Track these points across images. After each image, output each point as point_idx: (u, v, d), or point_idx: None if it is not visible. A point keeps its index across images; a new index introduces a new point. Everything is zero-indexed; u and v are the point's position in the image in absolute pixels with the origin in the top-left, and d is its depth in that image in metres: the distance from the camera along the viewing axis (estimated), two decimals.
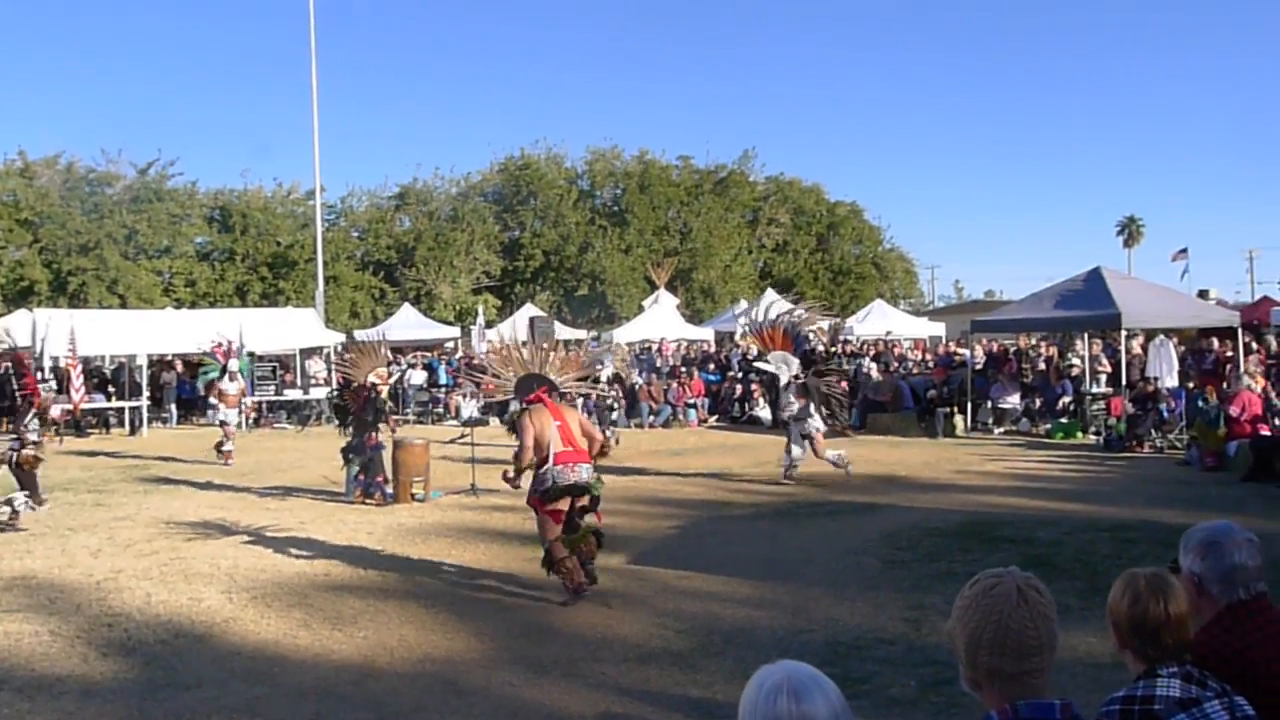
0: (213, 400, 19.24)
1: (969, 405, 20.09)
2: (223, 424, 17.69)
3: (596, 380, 17.56)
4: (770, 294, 33.05)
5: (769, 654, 6.35)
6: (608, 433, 17.60)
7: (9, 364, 12.13)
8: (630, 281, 40.16)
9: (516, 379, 9.01)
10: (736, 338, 29.17)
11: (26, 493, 11.48)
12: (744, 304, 34.22)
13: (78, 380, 21.76)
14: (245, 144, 78.74)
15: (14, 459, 11.50)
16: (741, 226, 43.59)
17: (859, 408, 21.26)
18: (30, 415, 11.86)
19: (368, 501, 12.64)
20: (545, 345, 9.66)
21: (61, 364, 21.80)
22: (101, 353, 25.97)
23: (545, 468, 8.03)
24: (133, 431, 23.54)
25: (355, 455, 12.90)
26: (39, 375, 19.36)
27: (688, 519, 11.36)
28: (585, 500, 8.18)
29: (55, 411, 21.71)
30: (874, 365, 22.20)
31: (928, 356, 24.90)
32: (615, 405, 20.11)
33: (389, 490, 12.76)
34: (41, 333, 22.22)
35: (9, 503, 11.34)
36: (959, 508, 11.53)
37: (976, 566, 8.49)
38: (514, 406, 9.67)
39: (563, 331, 30.51)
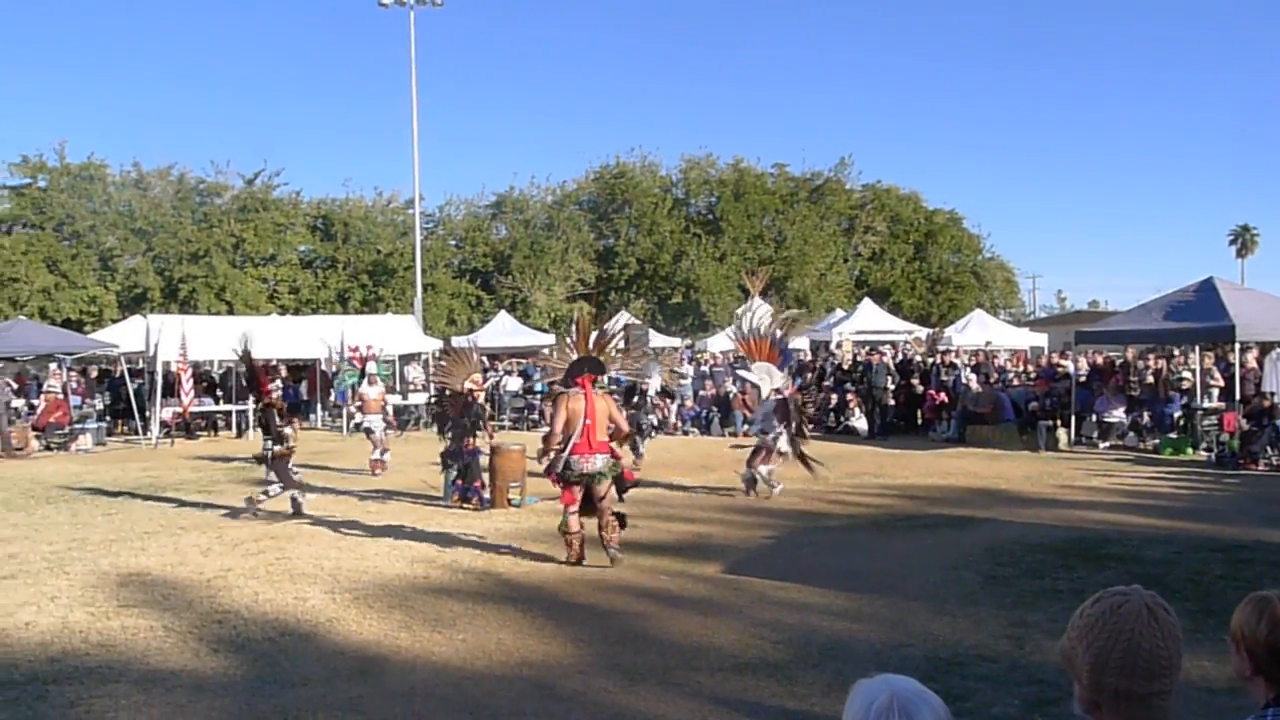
0: (353, 408, 19.10)
1: (1072, 419, 19.60)
2: (368, 432, 17.03)
3: (643, 393, 17.29)
4: (866, 302, 32.87)
5: (867, 668, 6.27)
6: (641, 448, 17.18)
7: (248, 367, 13.24)
8: (724, 290, 40.09)
9: (571, 361, 10.00)
10: (832, 346, 28.95)
11: (280, 484, 12.43)
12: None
13: (187, 384, 22.51)
14: (345, 153, 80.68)
15: (270, 454, 12.46)
16: (837, 234, 43.21)
17: (958, 419, 20.93)
18: (275, 415, 12.75)
19: (465, 506, 12.83)
20: (610, 338, 10.65)
21: (173, 368, 22.56)
22: (210, 357, 26.80)
23: (564, 454, 9.34)
24: (239, 434, 24.26)
25: (453, 460, 13.11)
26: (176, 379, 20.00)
27: (782, 529, 11.29)
28: (603, 488, 9.43)
29: (166, 414, 22.56)
30: (973, 376, 21.79)
31: (1029, 368, 24.35)
32: (656, 420, 19.47)
33: (486, 495, 12.94)
34: (154, 338, 23.03)
35: (266, 491, 12.45)
36: (1062, 524, 11.26)
37: (1082, 585, 8.36)
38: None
39: (656, 339, 30.60)
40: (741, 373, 15.31)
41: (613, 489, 9.65)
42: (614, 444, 9.68)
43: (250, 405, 24.46)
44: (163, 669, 6.57)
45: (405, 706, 5.84)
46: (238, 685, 6.26)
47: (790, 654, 6.76)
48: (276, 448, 12.51)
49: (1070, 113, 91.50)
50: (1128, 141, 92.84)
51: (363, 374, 17.69)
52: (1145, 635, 1.94)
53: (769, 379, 13.72)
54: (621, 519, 9.62)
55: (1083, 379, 20.55)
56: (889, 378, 22.82)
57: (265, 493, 12.46)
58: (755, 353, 13.94)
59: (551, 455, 9.51)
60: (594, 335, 10.28)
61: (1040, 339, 32.31)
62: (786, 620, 7.56)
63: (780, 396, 13.51)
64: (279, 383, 26.58)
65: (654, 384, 18.99)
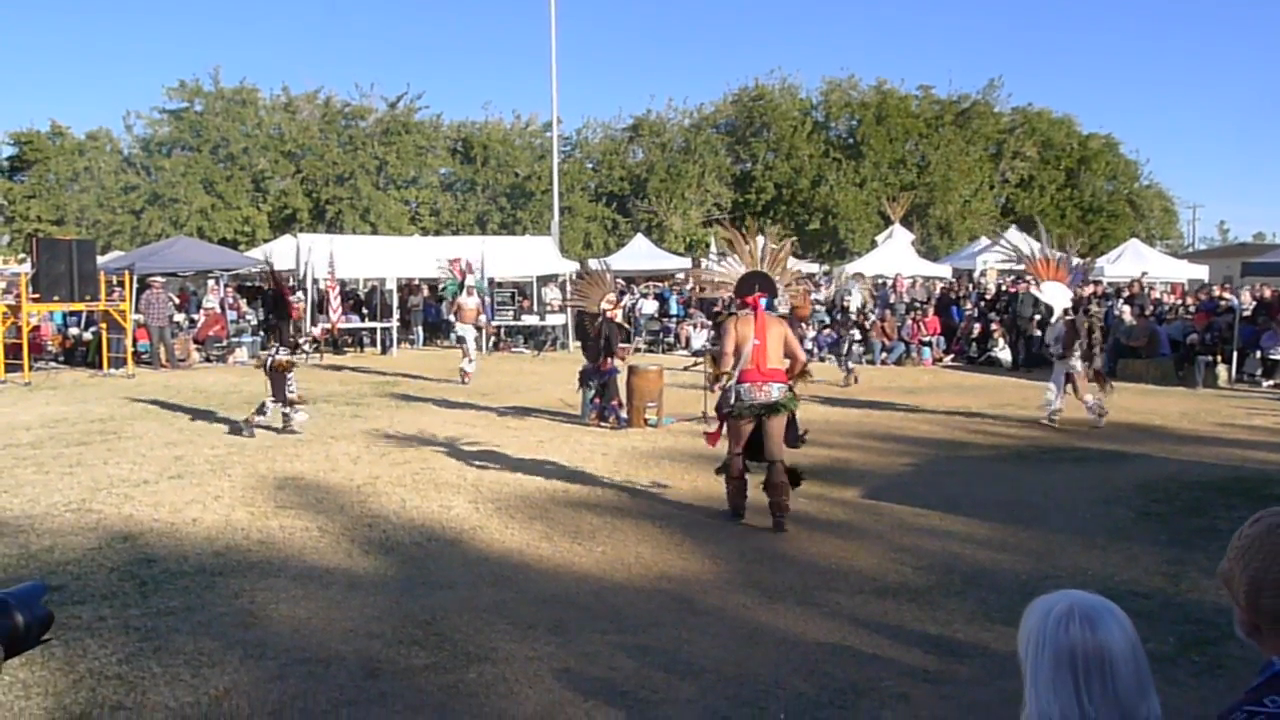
0: (451, 317, 19.98)
1: (1234, 355, 18.65)
2: (460, 340, 18.21)
3: (845, 310, 17.36)
4: (1013, 232, 31.76)
5: (1012, 597, 6.17)
6: (848, 368, 17.56)
7: (272, 283, 13.10)
8: (864, 216, 39.26)
9: (740, 275, 8.57)
10: (976, 275, 28.14)
11: (273, 398, 12.38)
12: (988, 241, 32.89)
13: (335, 301, 23.29)
14: (484, 76, 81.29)
15: (271, 363, 12.44)
16: (983, 160, 41.70)
17: (1109, 352, 20.12)
18: (290, 326, 12.81)
19: (603, 425, 13.00)
20: (782, 252, 9.11)
21: (321, 285, 23.34)
22: (356, 276, 27.64)
23: (732, 383, 7.98)
24: (384, 350, 25.07)
25: (591, 379, 13.26)
26: (296, 294, 20.83)
27: (923, 457, 11.11)
28: (776, 424, 7.96)
29: (316, 330, 23.41)
30: (1127, 308, 20.91)
31: (1188, 300, 23.22)
32: (858, 338, 19.70)
33: (623, 414, 13.07)
34: (305, 256, 23.84)
35: (260, 409, 12.34)
36: (1222, 461, 10.77)
37: (1242, 524, 7.92)
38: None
39: (793, 265, 30.23)
40: (1034, 291, 14.79)
41: (783, 435, 8.10)
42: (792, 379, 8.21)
43: (394, 324, 25.26)
44: (318, 566, 6.88)
45: (547, 613, 5.98)
46: (388, 585, 6.51)
47: (932, 580, 6.67)
48: (279, 357, 12.36)
49: (1236, 29, 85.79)
50: None
51: (462, 285, 18.25)
52: None
53: (1060, 299, 13.33)
54: (796, 477, 8.19)
55: (1247, 314, 19.51)
56: (1034, 307, 22.05)
57: (261, 409, 12.30)
58: (1044, 272, 13.51)
59: (723, 382, 8.06)
60: (763, 248, 8.93)
61: (1200, 271, 30.77)
62: (927, 547, 7.45)
63: (1070, 318, 13.15)
64: (419, 298, 27.42)
65: (855, 301, 19.01)
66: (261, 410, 12.37)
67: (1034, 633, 1.82)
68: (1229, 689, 4.94)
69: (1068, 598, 1.84)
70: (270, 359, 12.49)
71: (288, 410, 12.36)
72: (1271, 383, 18.22)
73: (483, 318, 19.38)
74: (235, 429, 12.39)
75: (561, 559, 7.16)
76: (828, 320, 22.45)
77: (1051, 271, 13.38)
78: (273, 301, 13.01)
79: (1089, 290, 13.88)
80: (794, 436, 8.35)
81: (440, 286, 22.18)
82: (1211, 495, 9.06)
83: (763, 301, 8.21)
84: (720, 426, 8.40)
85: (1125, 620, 1.82)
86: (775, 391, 7.95)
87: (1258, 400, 16.41)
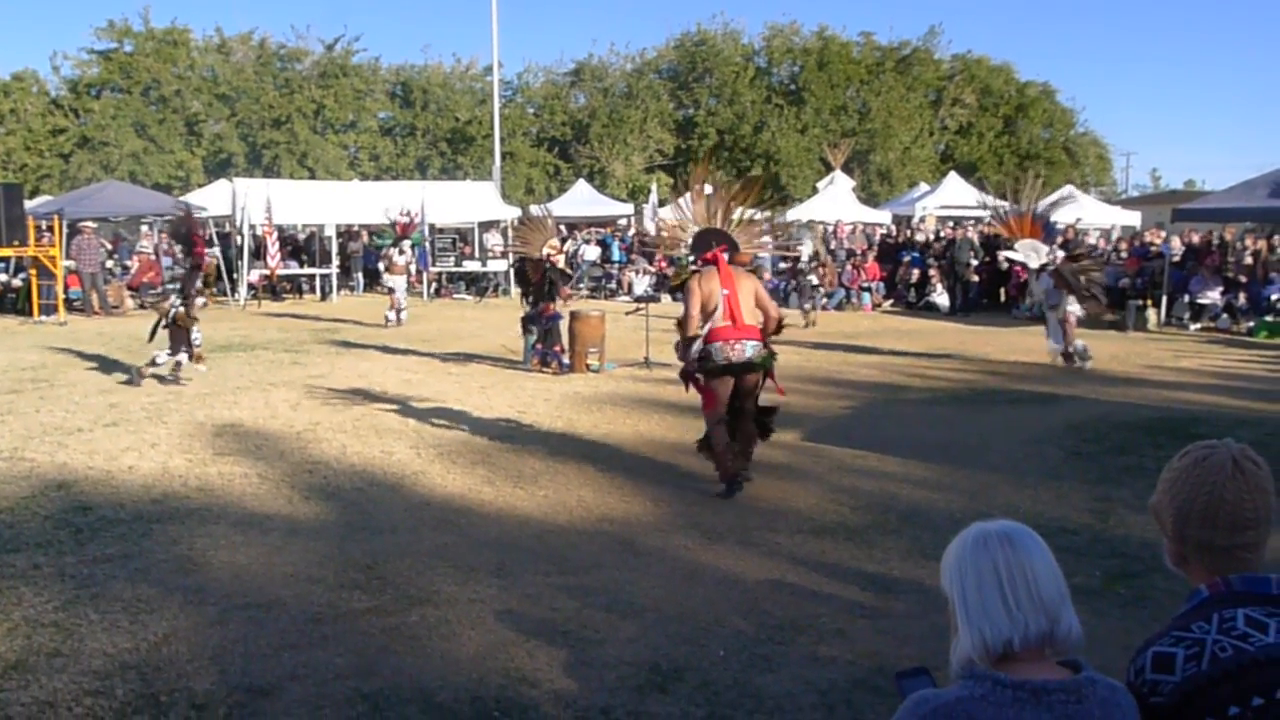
0: (381, 266, 20.11)
1: (1164, 299, 19.05)
2: (390, 291, 18.59)
3: (795, 257, 17.53)
4: (952, 177, 32.00)
5: (946, 535, 6.22)
6: (808, 309, 17.77)
7: (186, 228, 12.69)
8: (805, 162, 39.28)
9: (694, 234, 8.01)
10: (915, 221, 28.35)
11: (169, 350, 11.81)
12: (927, 187, 33.13)
13: (273, 247, 22.86)
14: (423, 19, 79.62)
15: (173, 315, 11.82)
16: (924, 107, 41.83)
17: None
18: (197, 277, 12.30)
19: (545, 370, 12.97)
20: (728, 201, 8.16)
21: (258, 231, 22.90)
22: (294, 222, 27.14)
23: (700, 344, 7.31)
24: (323, 297, 24.73)
25: (533, 325, 13.21)
26: (213, 246, 20.53)
27: (862, 400, 11.24)
28: (751, 381, 7.47)
29: (253, 276, 23.02)
30: (1061, 253, 21.18)
31: (1120, 246, 23.61)
32: (814, 283, 19.99)
33: (565, 360, 13.05)
34: (240, 201, 23.35)
35: (153, 361, 11.82)
36: (1150, 403, 11.02)
37: (1169, 462, 8.16)
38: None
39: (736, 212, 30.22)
40: (1007, 254, 14.99)
41: (757, 393, 7.65)
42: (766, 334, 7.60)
43: (334, 270, 24.91)
44: (258, 513, 6.82)
45: (490, 556, 5.99)
46: (329, 530, 6.47)
47: (868, 519, 6.78)
48: (180, 310, 11.81)
49: None
50: (1231, 12, 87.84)
51: (398, 240, 18.47)
52: (1229, 487, 1.87)
53: (1035, 255, 13.43)
54: (765, 428, 7.83)
55: (1176, 259, 19.90)
56: (972, 253, 22.33)
57: (154, 361, 11.84)
58: (1017, 230, 13.58)
59: (693, 340, 7.36)
60: (714, 204, 8.12)
61: (1133, 217, 31.21)
62: (865, 487, 7.57)
63: (1053, 269, 13.28)
64: (359, 244, 27.03)
65: (805, 250, 19.13)
66: (154, 363, 11.82)
67: (955, 561, 1.86)
68: (1154, 620, 5.09)
69: (983, 526, 1.89)
70: (173, 310, 11.79)
71: (181, 360, 11.87)
72: (1198, 326, 18.65)
73: (413, 268, 20.00)
74: (162, 379, 12.01)
75: (504, 503, 7.16)
76: (781, 268, 22.55)
77: (1026, 229, 13.52)
78: (185, 248, 12.56)
79: (1061, 239, 14.05)
80: (766, 423, 7.86)
81: (375, 234, 22.08)
82: (1139, 435, 9.28)
83: (724, 255, 7.59)
84: (703, 390, 7.52)
85: (1038, 538, 1.87)
86: (749, 349, 7.29)
87: (1185, 343, 16.80)
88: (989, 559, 1.79)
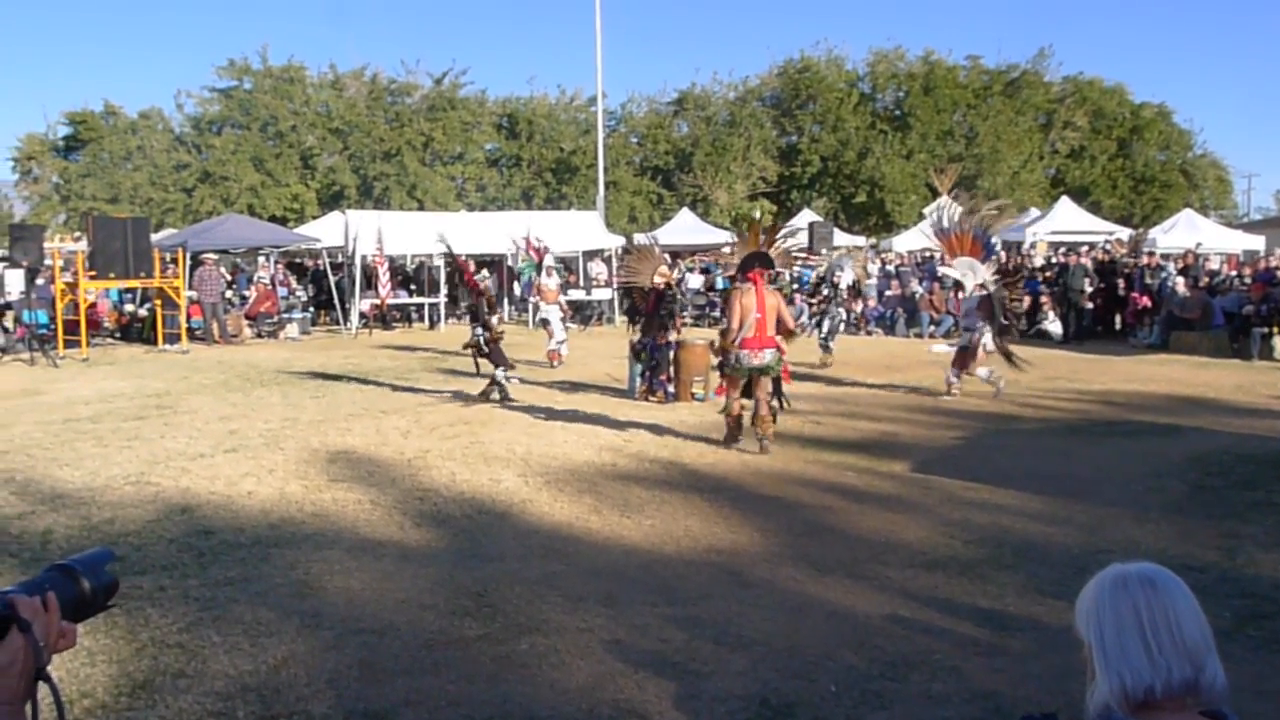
0: (534, 299, 19.33)
1: None
2: (545, 323, 17.48)
3: (835, 286, 17.14)
4: (1064, 202, 31.28)
5: (1064, 571, 6.12)
6: (831, 343, 16.88)
7: (453, 266, 13.53)
8: (910, 188, 38.78)
9: (743, 255, 10.16)
10: (1025, 247, 27.75)
11: (502, 368, 12.94)
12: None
13: (384, 277, 23.45)
14: (529, 51, 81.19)
15: (484, 339, 12.94)
16: (1033, 131, 40.99)
17: (1161, 324, 19.83)
18: (482, 302, 13.24)
19: (650, 398, 13.00)
20: (778, 233, 11.03)
21: (370, 262, 23.49)
22: (404, 252, 27.77)
23: (734, 351, 9.70)
24: (432, 326, 25.26)
25: (644, 353, 13.24)
26: (482, 272, 20.88)
27: (972, 430, 11.01)
28: (766, 381, 9.83)
29: (364, 305, 23.61)
30: (1181, 280, 20.51)
31: (1243, 271, 22.75)
32: (844, 317, 18.74)
33: (671, 389, 13.06)
34: (353, 232, 24.01)
35: (494, 381, 12.88)
36: (1277, 435, 10.57)
37: None
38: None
39: (840, 238, 30.00)
40: (943, 269, 14.82)
41: (770, 386, 10.03)
42: (780, 339, 9.91)
43: (442, 299, 25.43)
44: (371, 539, 6.96)
45: (597, 585, 6.01)
46: (440, 557, 6.58)
47: (982, 554, 6.63)
48: (486, 335, 12.91)
49: None
50: None
51: (539, 265, 17.95)
52: None
53: (972, 274, 13.24)
54: (778, 406, 10.26)
55: None
56: (1087, 280, 21.75)
57: (501, 379, 12.91)
58: (957, 247, 13.42)
59: (732, 355, 9.80)
60: (765, 231, 10.67)
61: (1256, 241, 30.08)
62: (977, 520, 7.40)
63: (985, 293, 13.07)
64: (484, 273, 27.53)
65: (845, 278, 18.63)
66: (497, 384, 12.90)
67: (1094, 603, 1.79)
68: None
69: (1121, 568, 1.82)
70: (481, 337, 12.94)
71: (505, 377, 12.98)
72: None
73: (563, 297, 18.53)
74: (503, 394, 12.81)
75: (611, 532, 7.19)
76: (812, 299, 21.93)
77: (965, 246, 13.23)
78: (459, 283, 13.49)
79: (1003, 264, 13.70)
80: (779, 397, 10.50)
81: (519, 270, 21.95)
82: (1266, 469, 8.90)
83: (765, 277, 9.87)
84: (723, 383, 10.22)
85: (1181, 581, 1.80)
86: (768, 356, 9.72)
87: None
88: (1129, 601, 1.72)
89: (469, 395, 13.19)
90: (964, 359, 13.24)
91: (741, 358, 9.69)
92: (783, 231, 11.16)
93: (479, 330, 13.01)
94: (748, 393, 9.99)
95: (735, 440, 9.96)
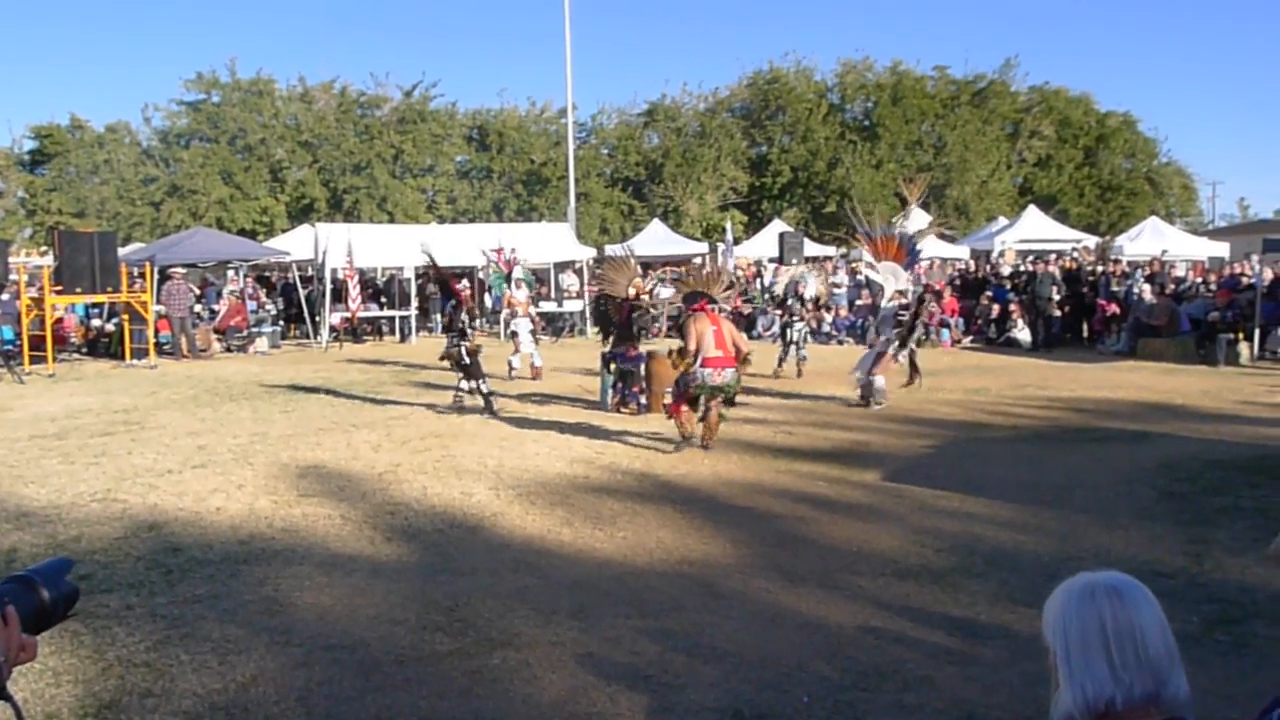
0: (504, 312, 19.28)
1: (1256, 332, 18.50)
2: (514, 335, 17.42)
3: (800, 298, 17.30)
4: (1031, 210, 31.56)
5: (1035, 579, 6.15)
6: (800, 357, 17.01)
7: (433, 276, 13.47)
8: (880, 198, 38.95)
9: (685, 292, 11.09)
10: (994, 255, 27.99)
11: (482, 381, 12.90)
12: (1005, 221, 32.70)
13: (354, 290, 23.33)
14: (499, 63, 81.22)
15: (464, 350, 12.85)
16: (1001, 140, 41.39)
17: (1129, 330, 20.03)
18: (462, 311, 13.17)
19: (623, 410, 12.99)
20: (711, 272, 11.76)
21: (340, 275, 23.37)
22: (374, 265, 27.68)
23: (695, 368, 10.01)
24: (403, 339, 25.15)
25: (615, 364, 13.24)
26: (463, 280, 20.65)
27: (943, 439, 11.06)
28: (720, 399, 10.22)
29: (335, 319, 23.48)
30: (1147, 286, 20.75)
31: (1209, 278, 23.03)
32: (806, 328, 18.67)
33: (643, 400, 13.05)
34: (322, 245, 23.89)
35: (477, 393, 12.87)
36: (1245, 440, 10.69)
37: (1267, 503, 7.94)
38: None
39: (811, 248, 30.13)
40: (867, 271, 14.97)
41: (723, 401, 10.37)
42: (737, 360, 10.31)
43: (413, 312, 25.34)
44: (342, 554, 6.91)
45: (570, 598, 5.99)
46: (411, 571, 6.54)
47: (953, 562, 6.65)
48: (462, 346, 12.88)
49: (1253, 2, 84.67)
50: None
51: (509, 277, 17.87)
52: None
53: (893, 279, 13.39)
54: (722, 417, 10.47)
55: (1268, 290, 19.33)
56: (1055, 287, 21.94)
57: (485, 392, 12.88)
58: (883, 251, 13.55)
59: (688, 371, 10.20)
60: (707, 276, 11.35)
61: (1221, 248, 30.43)
62: (948, 529, 7.43)
63: (903, 300, 13.25)
64: (465, 283, 27.42)
65: (809, 291, 18.69)
66: (483, 396, 12.83)
67: (1059, 612, 1.80)
68: (1256, 668, 4.92)
69: (1090, 577, 1.83)
70: (461, 347, 12.86)
71: (489, 393, 12.89)
72: None
73: (534, 309, 18.48)
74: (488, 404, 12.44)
75: (583, 544, 7.17)
76: (779, 310, 21.89)
77: (891, 251, 13.41)
78: (438, 293, 13.42)
79: (923, 272, 14.03)
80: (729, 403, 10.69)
81: (489, 283, 21.87)
82: (1234, 474, 8.99)
83: (710, 306, 10.56)
84: (680, 402, 10.37)
85: (1148, 592, 1.81)
86: (729, 376, 10.17)
87: None
88: (1095, 613, 1.74)
89: (442, 406, 13.16)
90: (875, 363, 13.27)
91: (704, 376, 10.05)
92: (719, 274, 11.85)
93: (456, 340, 12.95)
94: (695, 406, 10.35)
95: (686, 439, 10.35)
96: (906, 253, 13.49)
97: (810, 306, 19.36)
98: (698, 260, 12.18)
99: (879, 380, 13.22)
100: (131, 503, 8.30)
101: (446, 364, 13.35)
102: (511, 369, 16.95)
